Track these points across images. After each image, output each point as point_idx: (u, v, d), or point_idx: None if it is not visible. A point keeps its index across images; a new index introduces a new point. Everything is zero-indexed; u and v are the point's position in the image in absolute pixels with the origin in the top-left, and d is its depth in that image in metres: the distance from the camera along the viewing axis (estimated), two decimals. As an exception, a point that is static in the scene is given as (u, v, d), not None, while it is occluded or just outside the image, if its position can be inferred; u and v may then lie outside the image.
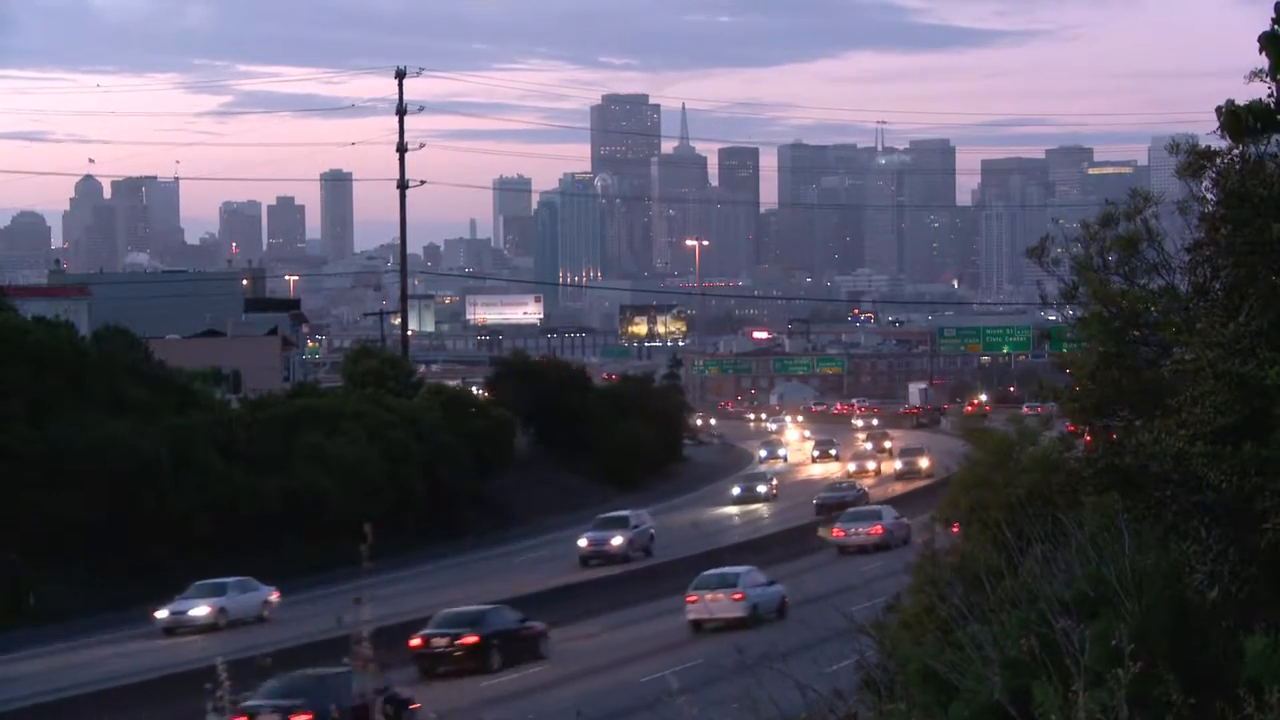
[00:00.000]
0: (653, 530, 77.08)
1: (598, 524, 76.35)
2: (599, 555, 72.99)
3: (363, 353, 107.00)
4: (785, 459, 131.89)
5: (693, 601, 53.66)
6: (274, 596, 63.47)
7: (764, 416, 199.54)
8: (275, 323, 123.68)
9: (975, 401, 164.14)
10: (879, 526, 70.39)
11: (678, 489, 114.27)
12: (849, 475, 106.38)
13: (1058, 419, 29.30)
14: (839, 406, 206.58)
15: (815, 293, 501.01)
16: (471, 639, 48.27)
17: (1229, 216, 15.06)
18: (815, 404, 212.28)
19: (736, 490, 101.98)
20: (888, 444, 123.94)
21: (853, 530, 70.30)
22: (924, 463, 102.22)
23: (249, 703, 35.94)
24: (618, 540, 73.74)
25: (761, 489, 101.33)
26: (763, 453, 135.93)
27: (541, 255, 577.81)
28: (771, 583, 55.15)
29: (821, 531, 73.86)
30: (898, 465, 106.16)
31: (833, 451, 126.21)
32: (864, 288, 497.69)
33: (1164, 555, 14.00)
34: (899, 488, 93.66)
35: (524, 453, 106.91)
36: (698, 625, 52.98)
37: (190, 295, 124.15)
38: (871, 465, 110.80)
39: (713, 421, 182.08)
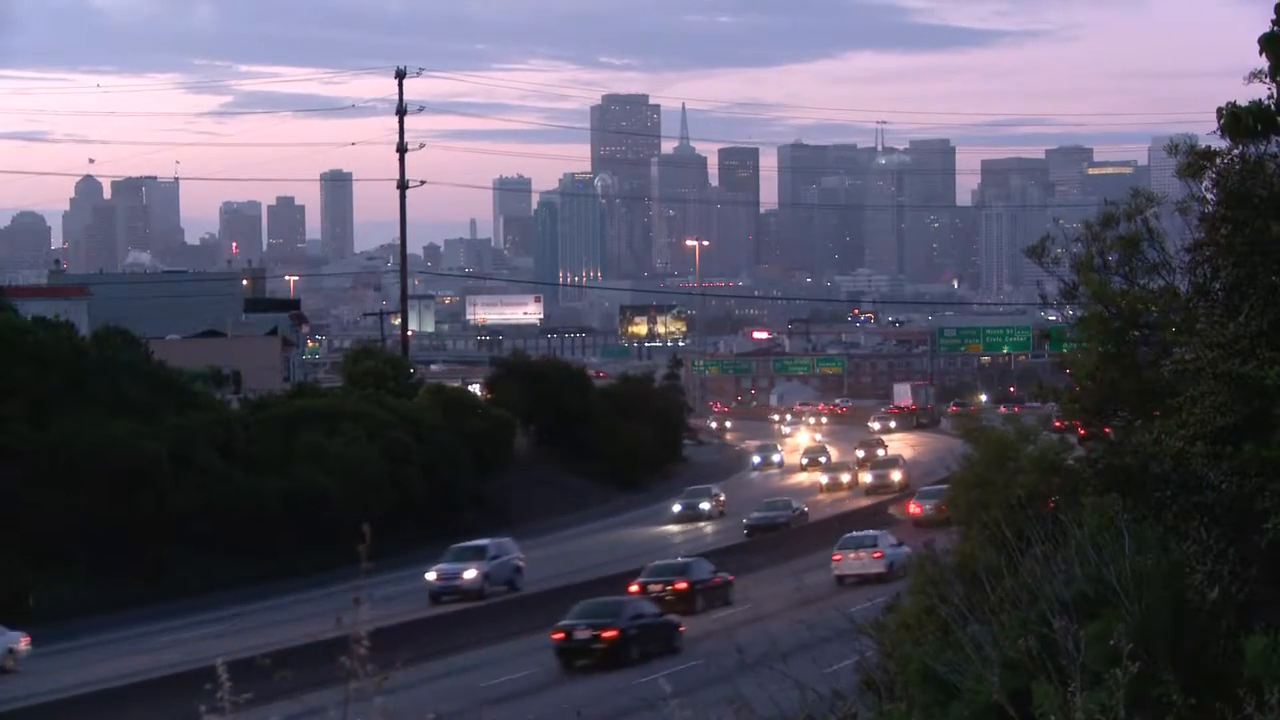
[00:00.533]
0: (518, 561, 66.90)
1: (451, 554, 65.94)
2: (450, 590, 63.25)
3: (363, 353, 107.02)
4: (780, 464, 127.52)
5: (838, 560, 62.39)
6: (23, 644, 54.99)
7: (789, 417, 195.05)
8: (275, 323, 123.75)
9: (959, 403, 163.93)
10: None
11: (676, 489, 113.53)
12: (821, 488, 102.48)
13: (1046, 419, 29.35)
14: (819, 406, 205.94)
15: (815, 293, 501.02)
16: (682, 585, 57.23)
17: (1229, 217, 15.06)
18: (801, 403, 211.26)
19: (677, 507, 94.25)
20: (881, 452, 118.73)
21: (930, 505, 73.98)
22: (896, 476, 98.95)
23: (565, 621, 48.67)
24: (471, 574, 63.73)
25: (705, 505, 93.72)
26: (756, 458, 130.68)
27: (541, 255, 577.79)
28: (900, 544, 61.90)
29: (893, 510, 77.77)
30: (867, 479, 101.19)
31: (822, 459, 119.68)
32: (864, 288, 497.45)
33: (1164, 555, 14.00)
34: (864, 502, 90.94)
35: (524, 453, 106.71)
36: (841, 580, 61.26)
37: (190, 295, 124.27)
38: (846, 477, 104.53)
39: (728, 424, 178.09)
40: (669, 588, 56.85)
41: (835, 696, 15.52)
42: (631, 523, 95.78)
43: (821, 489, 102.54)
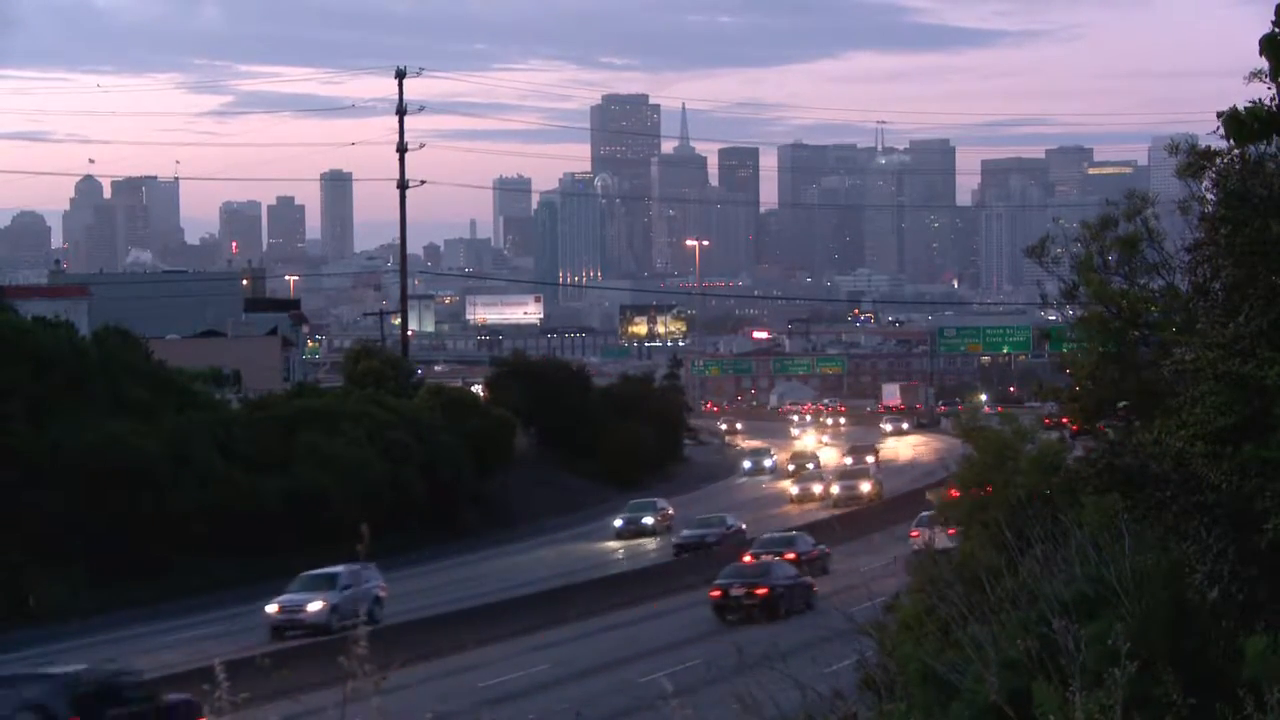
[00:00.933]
0: (379, 590, 58.63)
1: (299, 583, 58.20)
2: (293, 625, 55.41)
3: (363, 353, 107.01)
4: (772, 469, 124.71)
5: (916, 536, 64.61)
6: None
7: (808, 418, 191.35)
8: (275, 323, 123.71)
9: (947, 404, 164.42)
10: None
11: (676, 489, 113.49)
12: (791, 498, 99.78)
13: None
14: (805, 407, 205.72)
15: (815, 293, 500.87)
16: (791, 555, 62.63)
17: (1229, 217, 15.03)
18: (791, 403, 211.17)
19: (618, 522, 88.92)
20: (870, 458, 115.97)
21: None
22: (865, 487, 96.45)
23: (720, 580, 55.48)
24: (316, 606, 55.74)
25: (648, 520, 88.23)
26: (747, 463, 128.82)
27: (541, 255, 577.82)
28: None
29: (930, 495, 77.09)
30: (835, 489, 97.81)
31: (810, 466, 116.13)
32: (864, 288, 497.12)
33: (1164, 555, 13.99)
34: (831, 512, 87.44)
35: (524, 453, 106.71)
36: (918, 554, 63.42)
37: (190, 295, 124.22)
38: (818, 488, 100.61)
39: (738, 425, 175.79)
40: (779, 559, 61.19)
41: (835, 696, 15.50)
42: (579, 537, 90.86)
43: (792, 499, 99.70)
